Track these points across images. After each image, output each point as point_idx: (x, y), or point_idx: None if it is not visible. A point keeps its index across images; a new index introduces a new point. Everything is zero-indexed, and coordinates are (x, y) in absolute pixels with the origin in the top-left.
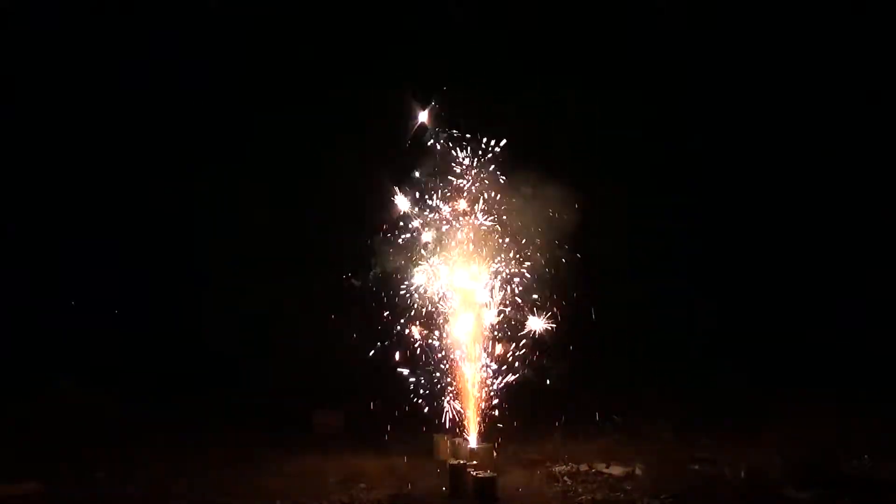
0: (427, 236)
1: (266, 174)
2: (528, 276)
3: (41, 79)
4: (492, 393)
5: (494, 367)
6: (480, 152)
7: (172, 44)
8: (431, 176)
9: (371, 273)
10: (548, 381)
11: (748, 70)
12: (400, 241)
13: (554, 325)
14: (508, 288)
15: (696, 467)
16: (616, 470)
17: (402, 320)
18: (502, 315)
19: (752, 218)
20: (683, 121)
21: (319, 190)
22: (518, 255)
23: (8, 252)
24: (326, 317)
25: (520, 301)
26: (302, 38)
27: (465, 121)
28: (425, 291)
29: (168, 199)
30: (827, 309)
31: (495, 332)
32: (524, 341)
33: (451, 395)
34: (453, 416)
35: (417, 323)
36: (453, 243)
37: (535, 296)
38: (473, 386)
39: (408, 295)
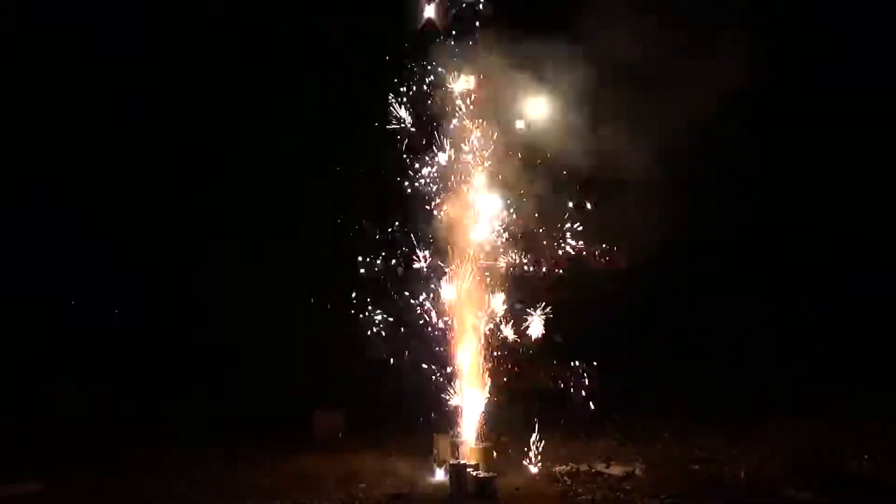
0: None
1: (266, 174)
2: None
3: (42, 78)
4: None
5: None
6: None
7: (173, 43)
8: None
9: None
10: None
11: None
12: None
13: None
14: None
15: (696, 467)
16: (616, 470)
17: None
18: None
19: (755, 214)
20: None
21: (323, 183)
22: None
23: (8, 252)
24: (329, 317)
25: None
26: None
27: None
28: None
29: (168, 199)
30: (827, 309)
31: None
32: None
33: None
34: (454, 416)
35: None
36: None
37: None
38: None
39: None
